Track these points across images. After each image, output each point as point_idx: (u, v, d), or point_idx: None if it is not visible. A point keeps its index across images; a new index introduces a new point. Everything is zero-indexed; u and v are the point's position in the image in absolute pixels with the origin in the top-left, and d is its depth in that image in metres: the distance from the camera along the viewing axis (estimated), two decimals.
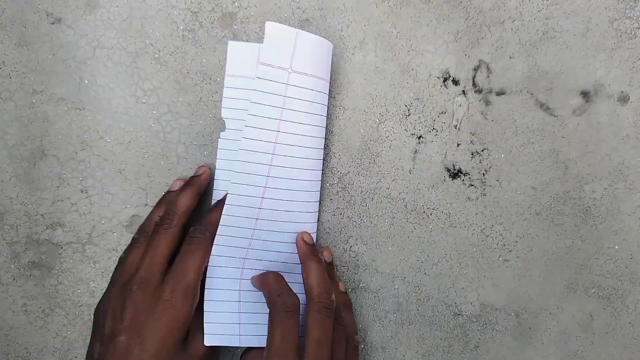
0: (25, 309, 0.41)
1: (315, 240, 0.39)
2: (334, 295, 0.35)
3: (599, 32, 0.40)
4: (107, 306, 0.33)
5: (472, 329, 0.41)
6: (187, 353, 0.34)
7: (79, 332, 0.41)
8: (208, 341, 0.36)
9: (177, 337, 0.33)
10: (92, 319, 0.41)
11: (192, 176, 0.39)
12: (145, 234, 0.36)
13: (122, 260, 0.36)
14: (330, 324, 0.34)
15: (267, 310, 0.35)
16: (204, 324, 0.37)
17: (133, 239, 0.36)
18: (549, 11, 0.40)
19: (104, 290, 0.41)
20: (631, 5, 0.40)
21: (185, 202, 0.37)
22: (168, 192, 0.39)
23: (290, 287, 0.36)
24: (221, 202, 0.38)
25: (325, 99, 0.38)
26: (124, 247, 0.41)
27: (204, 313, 0.37)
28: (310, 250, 0.37)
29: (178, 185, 0.39)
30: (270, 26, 0.35)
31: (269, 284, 0.36)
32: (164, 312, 0.32)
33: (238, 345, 0.37)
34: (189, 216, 0.37)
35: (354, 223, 0.41)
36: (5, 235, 0.41)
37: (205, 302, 0.37)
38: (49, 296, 0.41)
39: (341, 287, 0.40)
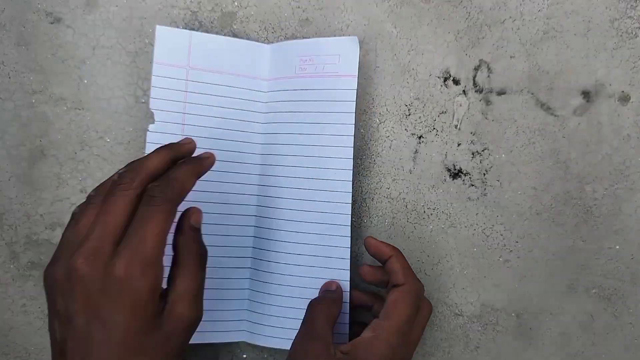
0: (24, 309, 0.41)
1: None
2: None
3: (599, 32, 0.40)
4: (54, 277, 0.27)
5: (472, 330, 0.41)
6: (162, 330, 0.28)
7: None
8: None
9: (143, 318, 0.27)
10: None
11: (174, 142, 0.33)
12: (103, 192, 0.29)
13: (74, 217, 0.29)
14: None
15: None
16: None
17: (89, 196, 0.29)
18: (550, 11, 0.40)
19: None
20: (632, 5, 0.40)
21: (153, 162, 0.30)
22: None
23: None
24: (192, 160, 0.32)
25: (251, 95, 0.40)
26: None
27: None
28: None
29: None
30: (161, 30, 0.38)
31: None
32: (120, 292, 0.27)
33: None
34: (155, 178, 0.30)
35: (354, 223, 0.41)
36: (4, 235, 0.41)
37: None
38: None
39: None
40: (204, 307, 0.30)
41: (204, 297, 0.30)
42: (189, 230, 0.31)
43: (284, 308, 0.38)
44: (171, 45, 0.38)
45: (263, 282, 0.39)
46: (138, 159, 0.30)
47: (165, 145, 0.32)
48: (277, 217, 0.39)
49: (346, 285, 0.37)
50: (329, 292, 0.37)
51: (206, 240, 0.32)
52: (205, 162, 0.32)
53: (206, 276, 0.31)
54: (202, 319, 0.30)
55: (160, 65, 0.38)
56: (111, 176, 0.30)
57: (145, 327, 0.27)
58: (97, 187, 0.30)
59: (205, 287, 0.31)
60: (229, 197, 0.39)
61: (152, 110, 0.38)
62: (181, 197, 0.30)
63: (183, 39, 0.38)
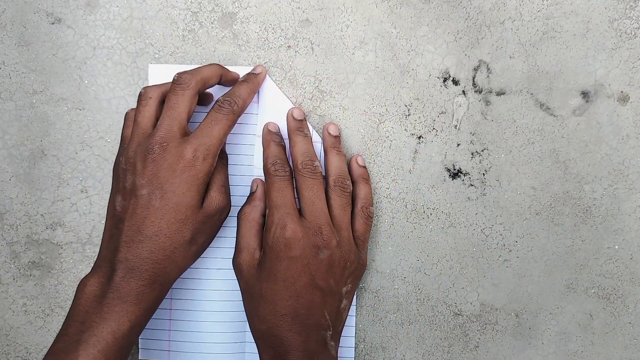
0: (25, 309, 0.41)
1: None
2: (317, 163, 0.37)
3: (598, 32, 0.40)
4: (127, 162, 0.35)
5: (472, 329, 0.41)
6: (202, 210, 0.35)
7: None
8: (142, 355, 0.40)
9: (195, 194, 0.35)
10: None
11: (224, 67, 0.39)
12: (152, 93, 0.36)
13: (127, 117, 0.37)
14: (319, 184, 0.37)
15: (196, 331, 0.39)
16: (139, 340, 0.40)
17: (140, 94, 0.36)
18: (549, 11, 0.40)
19: None
20: (631, 6, 0.40)
21: (206, 71, 0.37)
22: None
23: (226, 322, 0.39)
24: (252, 77, 0.39)
25: (243, 118, 0.40)
26: None
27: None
28: (297, 126, 0.39)
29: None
30: (153, 67, 0.40)
31: (267, 153, 0.38)
32: (185, 170, 0.34)
33: None
34: (207, 86, 0.37)
35: None
36: (5, 235, 0.41)
37: None
38: (49, 296, 0.41)
39: (359, 160, 0.40)
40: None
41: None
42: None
43: None
44: (163, 80, 0.39)
45: None
46: (194, 68, 0.37)
47: (217, 64, 0.38)
48: None
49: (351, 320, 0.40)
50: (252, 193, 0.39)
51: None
52: (259, 79, 0.39)
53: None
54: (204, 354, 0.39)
55: None
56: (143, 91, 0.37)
57: (192, 204, 0.34)
58: (146, 88, 0.36)
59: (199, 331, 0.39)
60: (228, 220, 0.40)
61: None
62: (243, 111, 0.37)
63: (173, 74, 0.39)
